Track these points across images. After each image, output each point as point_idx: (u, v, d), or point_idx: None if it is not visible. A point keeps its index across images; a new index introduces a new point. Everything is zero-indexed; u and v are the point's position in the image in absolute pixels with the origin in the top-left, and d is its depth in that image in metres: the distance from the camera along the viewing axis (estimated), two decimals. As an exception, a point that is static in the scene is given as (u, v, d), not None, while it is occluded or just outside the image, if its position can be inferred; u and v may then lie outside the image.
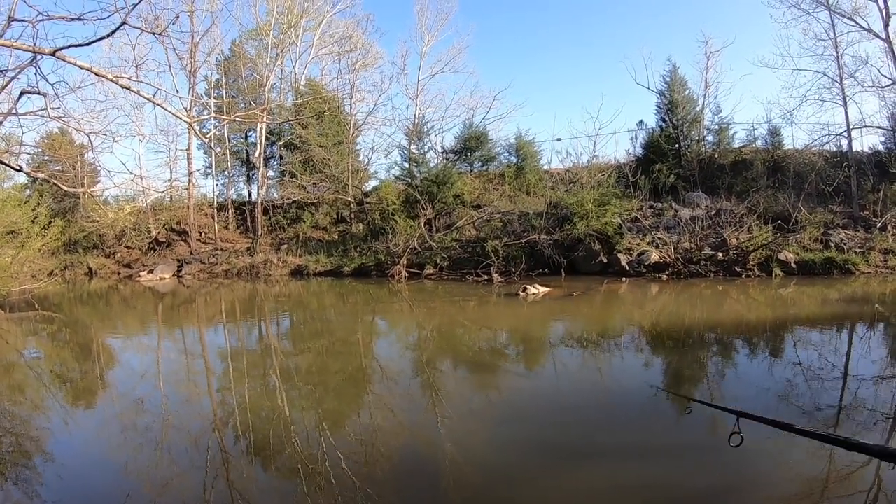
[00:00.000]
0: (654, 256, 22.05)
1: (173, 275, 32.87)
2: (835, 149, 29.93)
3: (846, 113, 29.11)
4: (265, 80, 36.70)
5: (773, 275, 20.10)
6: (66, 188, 15.22)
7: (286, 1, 36.64)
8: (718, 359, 9.78)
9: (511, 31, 71.58)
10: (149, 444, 6.23)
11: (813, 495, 4.55)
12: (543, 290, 18.06)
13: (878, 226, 22.86)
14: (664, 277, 21.08)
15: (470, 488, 4.86)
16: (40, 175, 16.34)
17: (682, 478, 4.94)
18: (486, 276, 23.24)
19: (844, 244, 21.63)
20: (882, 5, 26.52)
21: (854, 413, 6.42)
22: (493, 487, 4.91)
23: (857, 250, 21.17)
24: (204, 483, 5.11)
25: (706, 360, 9.65)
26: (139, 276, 32.48)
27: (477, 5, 67.22)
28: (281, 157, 38.93)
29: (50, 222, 29.37)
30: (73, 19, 7.28)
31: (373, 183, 38.64)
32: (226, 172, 40.78)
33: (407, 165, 33.41)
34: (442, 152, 37.07)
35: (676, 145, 32.51)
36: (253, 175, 39.98)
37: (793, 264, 20.43)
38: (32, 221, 26.88)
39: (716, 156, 32.75)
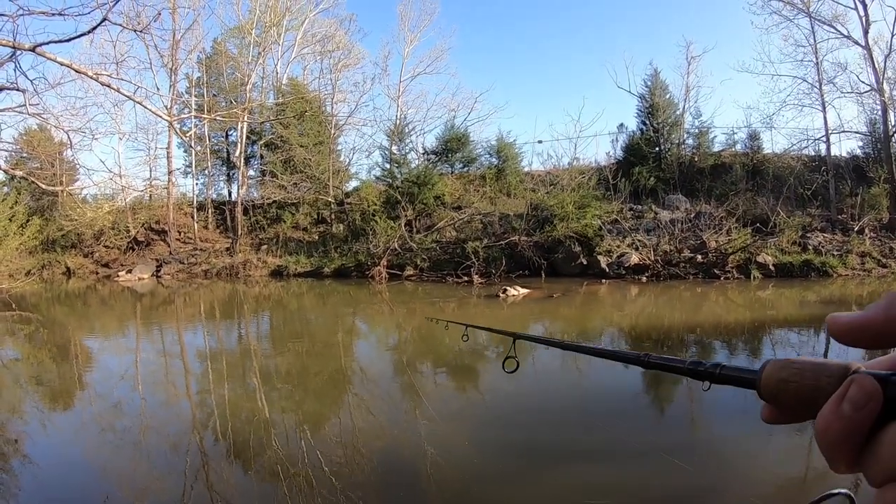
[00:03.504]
0: (634, 258, 22.16)
1: (152, 275, 32.55)
2: (813, 153, 30.38)
3: (825, 118, 29.62)
4: (247, 79, 36.51)
5: (752, 277, 20.28)
6: (44, 186, 15.05)
7: (269, -1, 36.53)
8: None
9: (493, 34, 71.64)
10: (127, 447, 6.15)
11: (790, 495, 4.58)
12: (524, 291, 18.09)
13: (856, 229, 23.17)
14: (644, 279, 21.19)
15: (450, 490, 4.85)
16: (18, 173, 16.22)
17: (660, 479, 4.95)
18: (466, 278, 23.24)
19: (822, 247, 21.88)
20: (862, 13, 26.94)
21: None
22: (473, 489, 4.89)
23: (835, 253, 21.43)
24: (183, 486, 5.05)
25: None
26: (117, 275, 32.13)
27: (460, 7, 67.28)
28: (262, 157, 38.70)
29: (27, 220, 29.13)
30: (53, 15, 7.21)
31: (353, 183, 38.73)
32: (206, 171, 40.51)
33: (388, 166, 33.42)
34: (423, 153, 37.18)
35: (657, 148, 32.79)
36: (233, 174, 39.82)
37: (771, 267, 20.62)
38: (10, 220, 26.65)
39: (696, 159, 33.06)
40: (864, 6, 26.78)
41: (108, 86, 8.37)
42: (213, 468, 5.54)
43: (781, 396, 0.54)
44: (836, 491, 0.64)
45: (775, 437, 5.32)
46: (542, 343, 1.74)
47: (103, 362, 11.57)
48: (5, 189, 32.42)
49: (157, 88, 34.24)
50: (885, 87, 27.20)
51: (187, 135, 33.88)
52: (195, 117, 35.32)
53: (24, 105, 8.28)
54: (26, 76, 7.59)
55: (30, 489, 5.15)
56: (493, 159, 35.95)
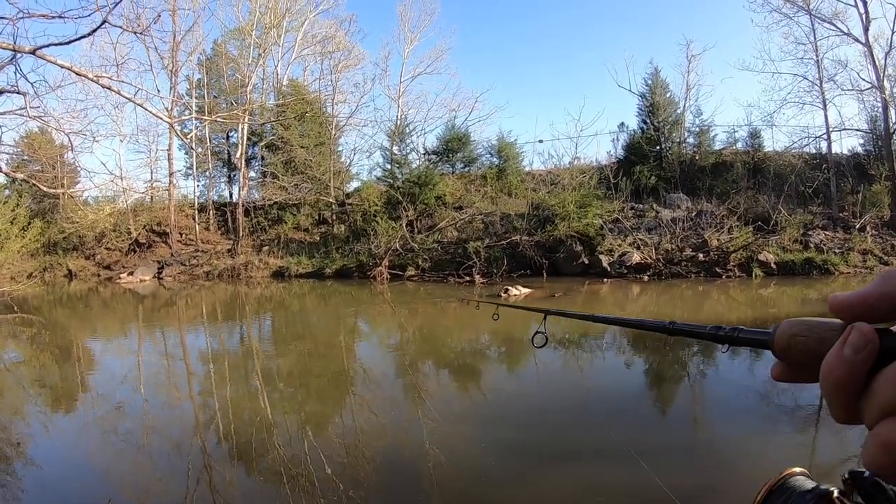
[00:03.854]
0: (636, 257, 22.15)
1: (154, 276, 32.54)
2: (814, 151, 30.39)
3: (826, 116, 29.59)
4: (247, 80, 36.48)
5: (754, 275, 20.26)
6: (45, 189, 15.10)
7: (269, 0, 36.49)
8: (700, 358, 9.81)
9: (493, 34, 71.68)
10: (130, 449, 6.15)
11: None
12: (525, 291, 18.08)
13: (857, 227, 23.16)
14: (645, 278, 21.18)
15: (453, 490, 4.84)
16: (19, 175, 16.20)
17: (663, 478, 4.95)
18: (468, 278, 23.23)
19: (824, 245, 21.86)
20: (862, 10, 26.91)
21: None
22: (476, 489, 4.89)
23: (837, 251, 21.41)
24: (186, 487, 5.05)
25: (687, 361, 9.69)
26: (119, 277, 32.11)
27: (460, 7, 67.27)
28: (262, 158, 38.66)
29: (29, 223, 29.18)
30: (53, 17, 7.21)
31: (354, 184, 38.80)
32: (207, 173, 40.49)
33: (389, 167, 33.39)
34: (424, 153, 37.11)
35: (657, 147, 32.78)
36: (234, 176, 39.81)
37: (773, 265, 20.60)
38: (11, 222, 26.69)
39: (696, 158, 33.05)
40: (865, 3, 26.78)
41: (109, 88, 8.38)
42: (215, 470, 5.54)
43: (791, 351, 0.58)
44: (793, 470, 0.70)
45: (776, 438, 5.33)
46: (572, 317, 1.75)
47: (105, 364, 11.57)
48: (6, 192, 32.46)
49: (158, 90, 34.21)
50: (886, 84, 27.19)
51: (188, 136, 33.98)
52: (196, 119, 35.20)
53: (25, 108, 8.28)
54: (27, 79, 7.61)
55: (33, 492, 5.16)
56: (494, 159, 35.95)
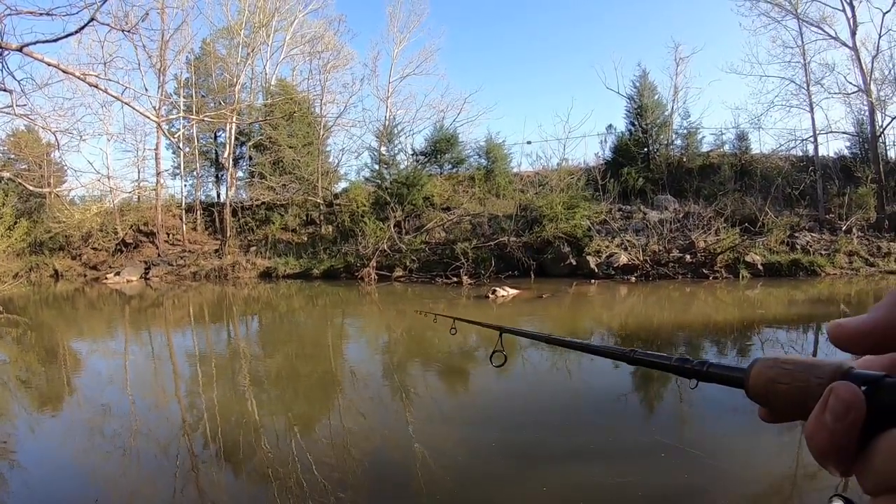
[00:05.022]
0: (623, 259, 22.22)
1: (140, 277, 32.34)
2: (801, 153, 30.61)
3: (813, 119, 29.88)
4: (235, 80, 36.39)
5: (740, 276, 20.37)
6: (31, 188, 15.01)
7: (258, 0, 36.43)
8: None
9: (482, 35, 71.72)
10: (117, 451, 6.10)
11: (781, 494, 4.60)
12: (513, 292, 18.09)
13: (844, 228, 23.34)
14: (633, 279, 21.24)
15: (442, 491, 4.83)
16: (5, 174, 16.12)
17: (650, 478, 4.94)
18: (455, 279, 23.23)
19: (810, 246, 22.01)
20: (849, 14, 27.15)
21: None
22: (464, 490, 4.87)
23: (823, 252, 21.57)
24: (173, 489, 5.01)
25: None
26: (106, 278, 31.88)
27: (449, 8, 67.33)
28: (250, 158, 38.57)
29: (15, 223, 28.87)
30: (41, 15, 7.17)
31: (342, 185, 38.74)
32: (194, 173, 40.26)
33: (377, 167, 33.40)
34: (412, 154, 37.08)
35: (645, 149, 32.90)
36: (222, 176, 39.69)
37: (759, 266, 20.71)
38: (-3, 222, 26.45)
39: (684, 160, 33.19)
40: (852, 8, 27.06)
41: (96, 86, 8.32)
42: (202, 471, 5.50)
43: (770, 398, 0.51)
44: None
45: (766, 436, 5.33)
46: (527, 337, 1.72)
47: (92, 365, 11.49)
48: (-8, 190, 32.26)
49: (146, 89, 33.99)
50: (873, 87, 27.49)
51: (175, 136, 33.76)
52: (184, 118, 35.08)
53: (12, 106, 8.22)
54: (13, 76, 7.53)
55: (19, 493, 5.11)
56: (482, 160, 36.00)
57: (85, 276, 33.67)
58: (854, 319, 0.47)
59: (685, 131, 34.76)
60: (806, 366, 0.49)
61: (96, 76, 8.22)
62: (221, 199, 38.62)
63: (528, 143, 48.13)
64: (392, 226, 27.78)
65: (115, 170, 39.93)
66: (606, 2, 66.91)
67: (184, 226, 36.78)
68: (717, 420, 6.31)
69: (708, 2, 57.68)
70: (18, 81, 7.75)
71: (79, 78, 7.94)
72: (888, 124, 28.39)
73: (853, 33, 27.16)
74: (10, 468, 5.77)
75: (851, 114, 31.17)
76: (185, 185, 40.79)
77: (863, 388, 0.43)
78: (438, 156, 35.98)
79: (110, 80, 9.49)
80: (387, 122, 36.77)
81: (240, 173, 40.18)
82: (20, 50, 6.94)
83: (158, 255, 34.23)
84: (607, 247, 23.51)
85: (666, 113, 34.65)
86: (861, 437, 0.42)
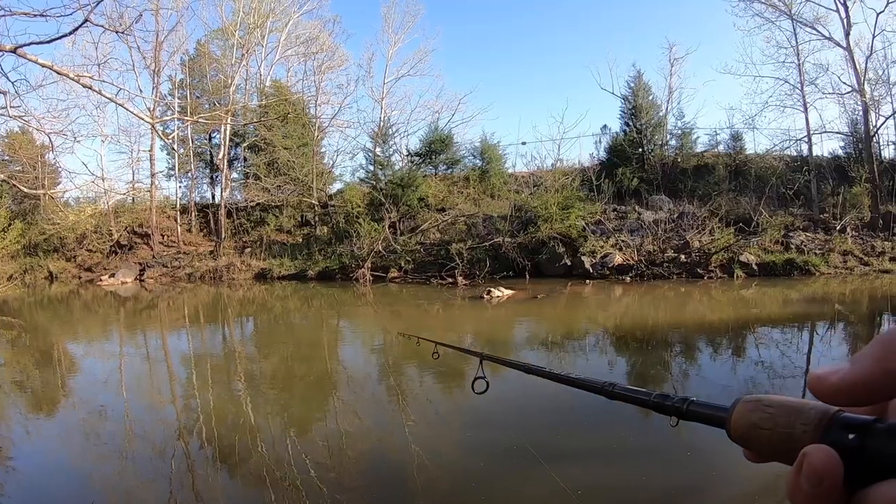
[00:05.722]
0: (618, 259, 22.24)
1: (135, 279, 32.23)
2: (795, 153, 30.69)
3: (807, 119, 29.99)
4: (230, 81, 36.33)
5: (735, 276, 20.40)
6: (25, 189, 14.96)
7: (252, 1, 36.36)
8: (682, 359, 9.83)
9: (477, 36, 71.77)
10: (112, 453, 6.07)
11: (776, 493, 4.60)
12: (508, 292, 18.08)
13: (838, 228, 23.37)
14: (628, 279, 21.26)
15: (438, 493, 4.82)
16: (-1, 176, 16.02)
17: (646, 479, 4.94)
18: (450, 279, 23.21)
19: (805, 246, 22.04)
20: (843, 15, 27.23)
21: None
22: (461, 491, 4.86)
23: (818, 252, 21.60)
24: (169, 491, 4.99)
25: (670, 360, 9.71)
26: (100, 280, 31.74)
27: (444, 9, 67.40)
28: (245, 159, 38.57)
29: (9, 224, 28.88)
30: (35, 16, 7.15)
31: (337, 186, 38.68)
32: (189, 174, 40.23)
33: (372, 168, 33.38)
34: (407, 155, 37.08)
35: (640, 149, 32.94)
36: (217, 177, 39.54)
37: (754, 266, 20.75)
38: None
39: (679, 160, 33.25)
40: (846, 8, 27.13)
41: (90, 88, 8.30)
42: (198, 474, 5.48)
43: (752, 443, 0.50)
44: None
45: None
46: (507, 366, 1.70)
47: (87, 367, 11.46)
48: (-14, 192, 32.17)
49: (140, 90, 33.92)
50: (866, 87, 27.53)
51: (170, 137, 33.76)
52: (178, 119, 35.02)
53: (6, 107, 8.20)
54: (7, 78, 7.53)
55: (14, 495, 5.09)
56: (477, 161, 35.99)
57: (79, 277, 33.54)
58: (836, 371, 0.45)
59: (680, 131, 34.85)
60: (790, 409, 0.47)
61: (90, 77, 8.20)
62: (216, 201, 38.47)
63: (523, 143, 48.21)
64: (387, 226, 27.78)
65: (109, 171, 39.83)
66: (601, 2, 67.12)
67: (178, 227, 36.65)
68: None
69: (702, 2, 57.97)
70: (12, 83, 7.75)
71: (73, 79, 7.92)
72: (882, 124, 28.62)
73: (847, 33, 27.25)
74: (5, 471, 5.74)
75: (845, 114, 31.33)
76: (180, 187, 40.69)
77: (851, 436, 0.41)
78: (433, 156, 35.93)
79: (104, 81, 9.50)
80: (381, 123, 36.76)
81: (234, 174, 40.16)
82: (14, 51, 6.93)
83: (153, 257, 34.11)
84: (602, 247, 23.53)
85: (660, 113, 34.69)
86: (849, 488, 0.40)
